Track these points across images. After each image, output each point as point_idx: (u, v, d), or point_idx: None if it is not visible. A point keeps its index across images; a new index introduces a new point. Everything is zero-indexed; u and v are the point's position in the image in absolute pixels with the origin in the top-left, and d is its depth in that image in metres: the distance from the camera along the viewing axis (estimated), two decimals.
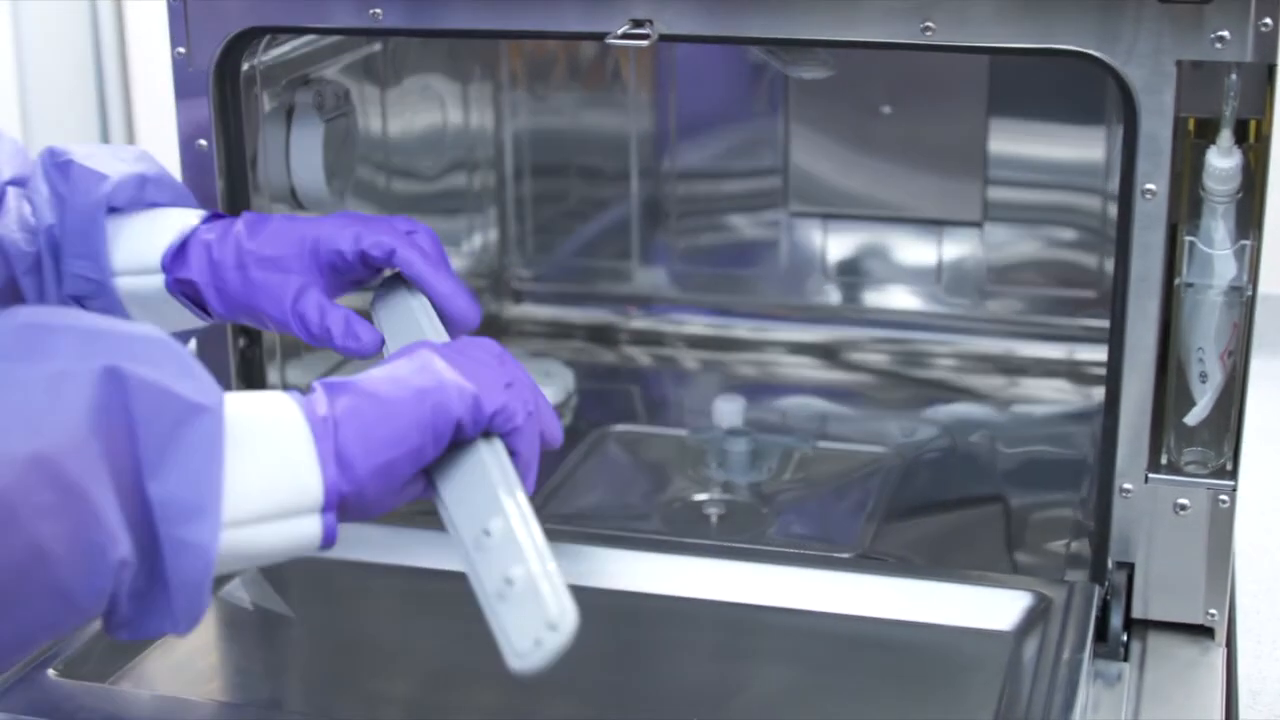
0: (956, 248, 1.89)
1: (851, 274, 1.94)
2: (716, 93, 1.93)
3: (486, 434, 1.00)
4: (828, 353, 1.93)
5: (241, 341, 1.46)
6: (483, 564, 0.94)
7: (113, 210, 1.23)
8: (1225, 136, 1.21)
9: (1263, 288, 1.25)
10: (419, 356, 1.00)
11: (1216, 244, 1.23)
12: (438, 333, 1.14)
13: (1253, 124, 1.23)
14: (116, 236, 1.23)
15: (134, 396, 0.84)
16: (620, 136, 1.95)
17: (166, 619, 0.87)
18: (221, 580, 1.31)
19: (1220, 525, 1.27)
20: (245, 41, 1.37)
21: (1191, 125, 1.24)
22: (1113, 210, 1.63)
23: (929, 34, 1.21)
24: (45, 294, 1.23)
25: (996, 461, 1.70)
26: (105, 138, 3.67)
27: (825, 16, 1.22)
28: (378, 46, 1.65)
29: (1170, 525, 1.28)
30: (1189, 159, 1.23)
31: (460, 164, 1.93)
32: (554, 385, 1.81)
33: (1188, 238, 1.24)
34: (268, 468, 0.91)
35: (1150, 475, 1.27)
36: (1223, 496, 1.27)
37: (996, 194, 1.85)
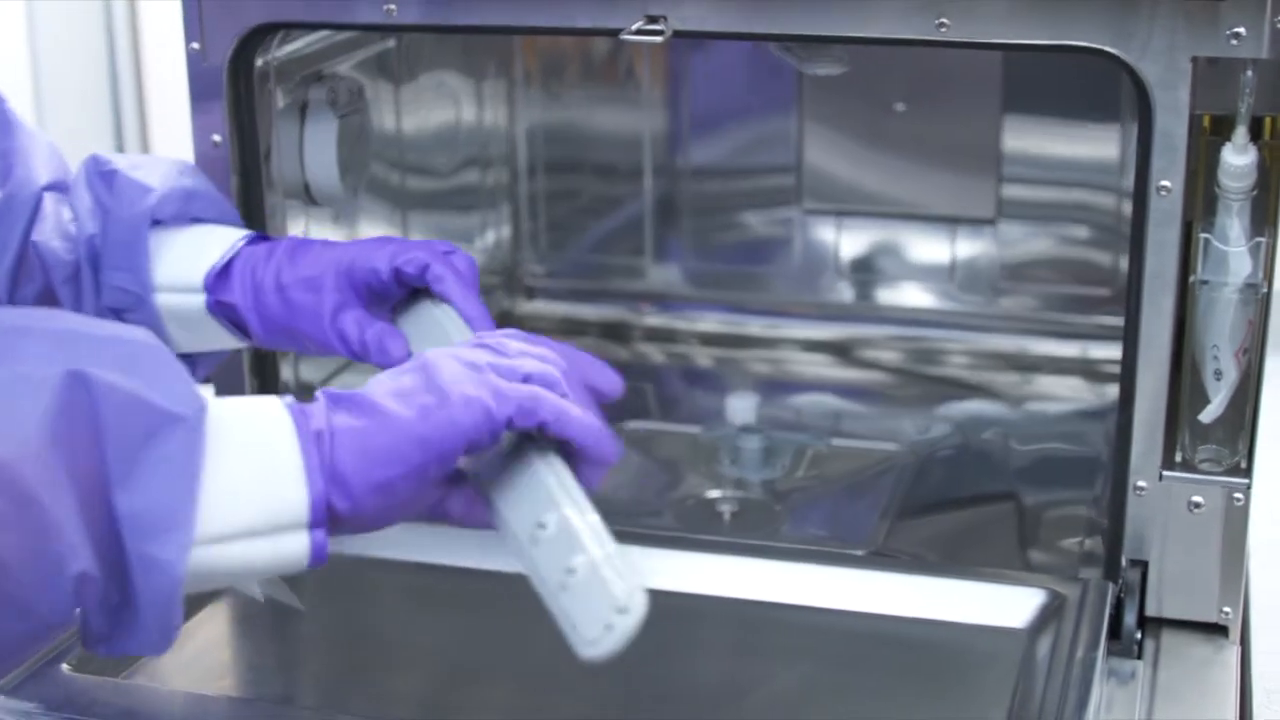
0: (970, 245, 1.88)
1: (865, 271, 1.93)
2: (730, 89, 1.93)
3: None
4: (841, 350, 1.92)
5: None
6: (541, 558, 0.92)
7: (156, 223, 1.23)
8: (1240, 133, 1.20)
9: (1278, 285, 1.25)
10: (428, 366, 0.95)
11: (1231, 241, 1.23)
12: (464, 338, 1.13)
13: (1268, 121, 1.23)
14: (159, 251, 1.23)
15: (102, 403, 0.81)
16: (634, 133, 1.95)
17: (137, 637, 0.84)
18: None
19: (1235, 523, 1.27)
20: (259, 37, 1.37)
21: (1206, 122, 1.23)
22: (1127, 208, 1.63)
23: (943, 30, 1.20)
24: (82, 304, 1.23)
25: (1010, 459, 1.70)
26: (118, 134, 3.67)
27: (840, 12, 1.22)
28: (392, 43, 1.66)
29: (1184, 523, 1.27)
30: (1204, 156, 1.23)
31: (474, 161, 1.93)
32: None
33: (1203, 235, 1.23)
34: (248, 481, 0.87)
35: (1165, 473, 1.27)
36: (1237, 494, 1.26)
37: (1010, 191, 1.84)
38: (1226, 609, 1.29)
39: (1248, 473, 1.27)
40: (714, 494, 1.64)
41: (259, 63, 1.40)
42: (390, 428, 0.90)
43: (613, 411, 1.03)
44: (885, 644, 1.28)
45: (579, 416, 0.96)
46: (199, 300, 1.22)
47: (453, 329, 1.15)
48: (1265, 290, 1.23)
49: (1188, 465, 1.28)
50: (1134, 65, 1.18)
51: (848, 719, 1.20)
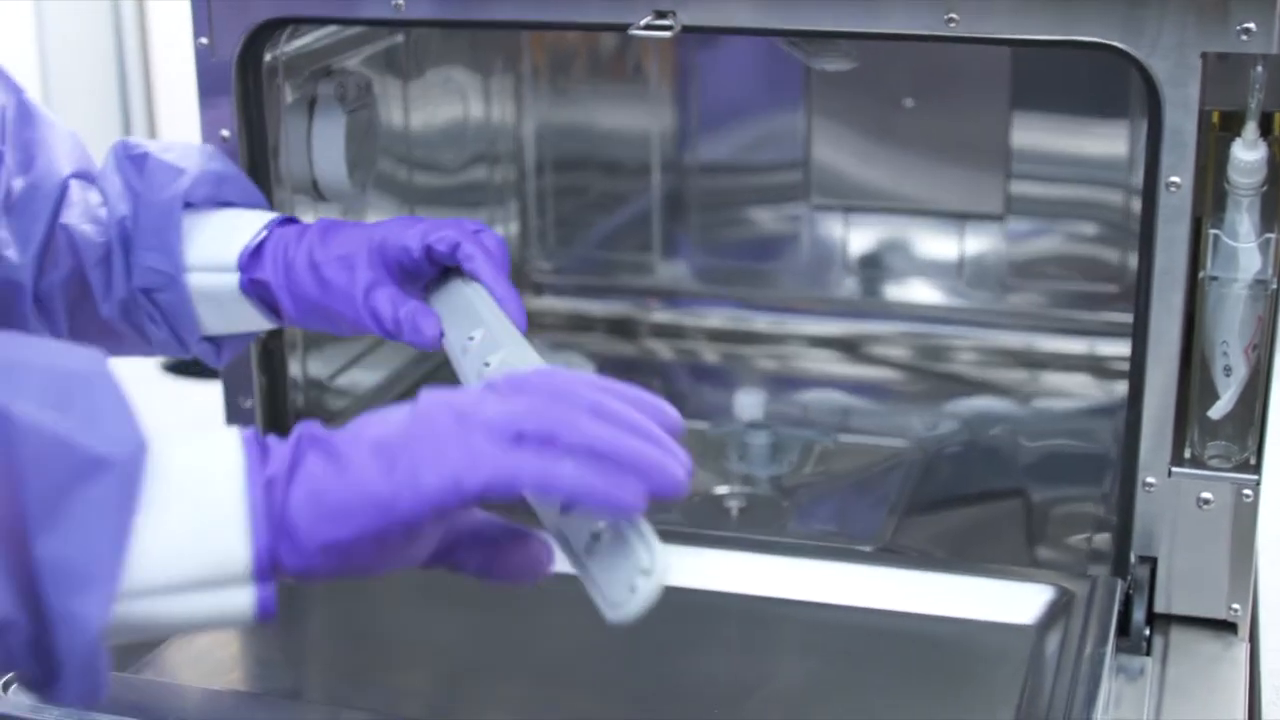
0: (978, 241, 1.88)
1: (873, 267, 1.93)
2: (738, 85, 1.92)
3: None
4: (849, 346, 1.92)
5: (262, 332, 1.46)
6: (569, 527, 0.92)
7: (187, 206, 1.24)
8: (1250, 129, 1.20)
9: None
10: (417, 414, 0.84)
11: (1241, 237, 1.22)
12: (497, 317, 1.14)
13: (1278, 116, 1.22)
14: (191, 233, 1.24)
15: (21, 443, 0.74)
16: (642, 129, 1.95)
17: (66, 689, 0.78)
18: None
19: (1244, 519, 1.26)
20: (268, 32, 1.37)
21: (1216, 118, 1.23)
22: (1136, 205, 1.62)
23: (952, 25, 1.20)
24: (113, 286, 1.24)
25: (1018, 455, 1.69)
26: (126, 131, 3.67)
27: (848, 7, 1.22)
28: (400, 38, 1.66)
29: (1193, 519, 1.27)
30: (1214, 152, 1.23)
31: (481, 157, 1.93)
32: None
33: (1212, 231, 1.23)
34: (188, 530, 0.79)
35: (1173, 469, 1.27)
36: (1246, 490, 1.26)
37: (1019, 188, 1.84)
38: (1235, 605, 1.28)
39: (1257, 469, 1.27)
40: (722, 490, 1.63)
41: (267, 58, 1.40)
42: (349, 482, 0.81)
43: None
44: (893, 640, 1.28)
45: (569, 476, 0.83)
46: (232, 279, 1.23)
47: (484, 308, 1.15)
48: (1275, 286, 1.23)
49: (1197, 461, 1.28)
50: (1143, 61, 1.18)
51: (855, 715, 1.20)
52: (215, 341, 1.29)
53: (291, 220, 1.27)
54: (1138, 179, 1.62)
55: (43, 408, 0.76)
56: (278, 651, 1.32)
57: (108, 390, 0.78)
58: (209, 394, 1.57)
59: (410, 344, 1.18)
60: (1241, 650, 1.28)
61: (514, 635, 1.27)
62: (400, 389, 1.75)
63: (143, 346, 1.30)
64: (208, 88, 1.39)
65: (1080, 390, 1.83)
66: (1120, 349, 1.69)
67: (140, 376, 3.04)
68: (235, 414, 1.47)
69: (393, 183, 1.70)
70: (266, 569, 0.80)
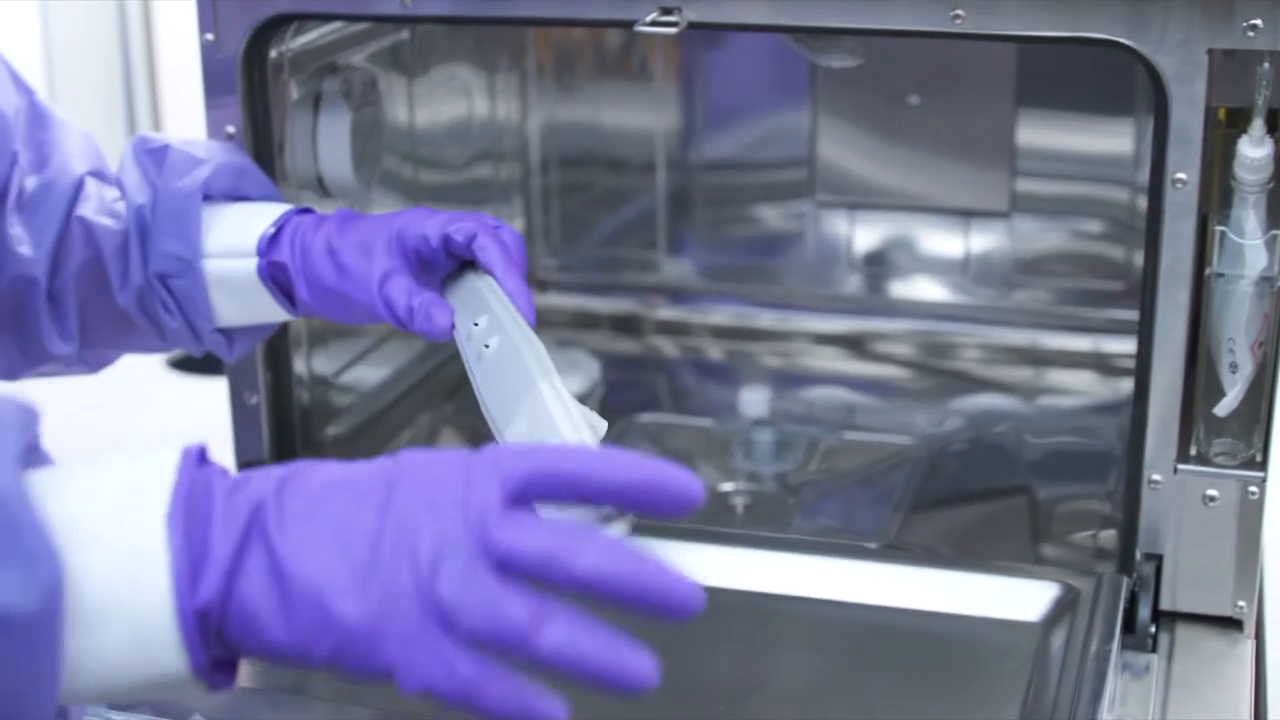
0: (984, 239, 1.88)
1: (878, 264, 1.93)
2: (743, 83, 1.92)
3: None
4: (854, 343, 1.92)
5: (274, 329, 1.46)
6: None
7: (205, 198, 1.25)
8: (1257, 126, 1.20)
9: None
10: (390, 577, 0.72)
11: (1247, 234, 1.22)
12: (507, 310, 1.15)
13: None
14: (209, 222, 1.25)
15: None
16: (647, 127, 1.95)
17: None
18: None
19: (1249, 517, 1.26)
20: (273, 28, 1.37)
21: (1222, 114, 1.23)
22: (1141, 202, 1.62)
23: (958, 22, 1.20)
24: (130, 274, 1.25)
25: (1023, 453, 1.69)
26: (132, 129, 3.68)
27: (854, 4, 1.22)
28: (405, 34, 1.65)
29: (1199, 516, 1.27)
30: (1220, 148, 1.23)
31: (486, 154, 1.92)
32: (579, 375, 1.81)
33: (1218, 228, 1.23)
34: (120, 658, 0.71)
35: (1179, 466, 1.27)
36: (1252, 488, 1.26)
37: (1024, 185, 1.84)
38: (1241, 603, 1.28)
39: (1263, 466, 1.27)
40: (727, 487, 1.63)
41: (273, 54, 1.40)
42: (290, 629, 0.73)
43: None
44: (898, 637, 1.28)
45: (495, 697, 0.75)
46: (250, 265, 1.24)
47: (494, 301, 1.16)
48: None
49: (1202, 459, 1.28)
50: (1149, 58, 1.18)
51: (860, 712, 1.20)
52: (228, 334, 1.29)
53: (308, 211, 1.28)
54: (1143, 176, 1.62)
55: None
56: None
57: (20, 518, 0.68)
58: (214, 390, 1.57)
59: (422, 333, 1.18)
60: (1247, 647, 1.28)
61: None
62: (404, 386, 1.75)
63: (156, 339, 1.30)
64: (213, 84, 1.39)
65: (1085, 387, 1.82)
66: (1126, 346, 1.69)
67: (146, 374, 3.05)
68: (240, 410, 1.47)
69: (398, 180, 1.70)
70: (208, 675, 0.74)
